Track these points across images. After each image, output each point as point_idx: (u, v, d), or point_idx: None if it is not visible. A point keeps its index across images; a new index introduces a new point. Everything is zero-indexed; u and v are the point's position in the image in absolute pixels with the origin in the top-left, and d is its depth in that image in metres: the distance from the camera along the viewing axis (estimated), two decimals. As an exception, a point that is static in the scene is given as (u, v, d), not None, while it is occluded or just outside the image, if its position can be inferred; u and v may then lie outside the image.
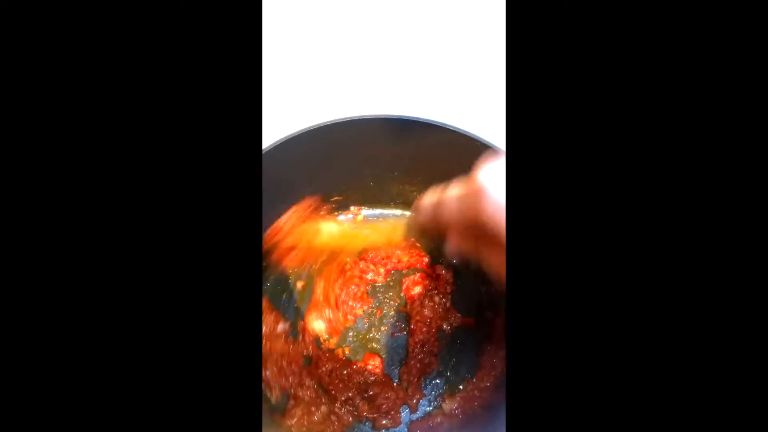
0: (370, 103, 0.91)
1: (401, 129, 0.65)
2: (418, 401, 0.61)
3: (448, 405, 0.61)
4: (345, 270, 0.72)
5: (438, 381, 0.63)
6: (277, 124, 0.67)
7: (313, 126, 0.63)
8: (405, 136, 0.66)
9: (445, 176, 0.68)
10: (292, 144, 0.62)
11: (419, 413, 0.61)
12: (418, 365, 0.63)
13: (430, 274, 0.71)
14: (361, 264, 0.73)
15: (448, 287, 0.69)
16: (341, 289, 0.70)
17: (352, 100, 0.93)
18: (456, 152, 0.64)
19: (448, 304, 0.68)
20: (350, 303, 0.69)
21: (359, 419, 0.59)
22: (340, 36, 1.00)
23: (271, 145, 0.61)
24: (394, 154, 0.70)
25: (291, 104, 0.90)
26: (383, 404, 0.59)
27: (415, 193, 0.75)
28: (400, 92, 0.93)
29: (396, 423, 0.59)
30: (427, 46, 0.99)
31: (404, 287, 0.71)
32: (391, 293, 0.72)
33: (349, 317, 0.68)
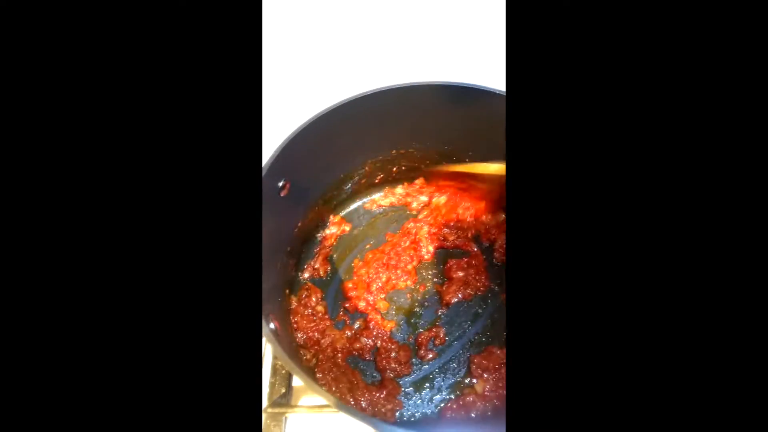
0: (422, 70, 0.89)
1: (454, 96, 0.62)
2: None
3: (481, 386, 0.58)
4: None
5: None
6: (325, 92, 0.66)
7: (362, 93, 0.61)
8: (458, 105, 0.63)
9: (497, 147, 0.66)
10: (340, 113, 0.60)
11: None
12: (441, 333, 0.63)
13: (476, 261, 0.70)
14: (425, 230, 0.72)
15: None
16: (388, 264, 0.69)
17: (400, 67, 0.90)
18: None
19: (483, 289, 0.67)
20: (398, 272, 0.68)
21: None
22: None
23: (323, 111, 0.59)
24: (446, 124, 0.67)
25: (343, 72, 0.89)
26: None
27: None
28: (454, 59, 0.90)
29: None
30: (483, 13, 0.95)
31: (447, 266, 0.69)
32: (433, 270, 0.69)
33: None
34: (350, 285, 0.67)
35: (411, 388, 0.58)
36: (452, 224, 0.73)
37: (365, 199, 0.77)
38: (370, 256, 0.70)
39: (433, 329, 0.62)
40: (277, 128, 0.60)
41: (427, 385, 0.59)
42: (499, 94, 0.60)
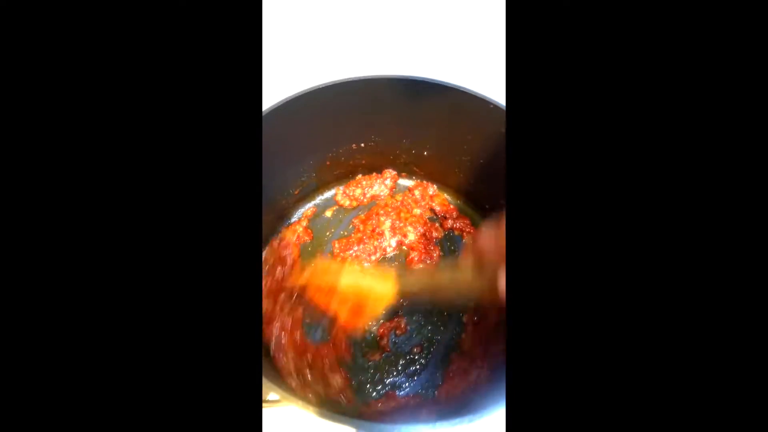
0: (381, 64, 0.89)
1: (414, 91, 0.63)
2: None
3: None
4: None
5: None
6: (284, 82, 0.65)
7: (319, 85, 0.61)
8: (418, 99, 0.64)
9: (457, 140, 0.68)
10: (297, 104, 0.60)
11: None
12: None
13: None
14: (388, 223, 0.73)
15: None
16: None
17: (363, 59, 0.90)
18: (469, 115, 0.62)
19: None
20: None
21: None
22: None
23: (280, 102, 0.59)
24: (405, 119, 0.68)
25: (299, 62, 0.88)
26: None
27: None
28: (413, 53, 0.91)
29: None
30: (441, 6, 0.96)
31: (408, 259, 0.70)
32: (396, 263, 0.71)
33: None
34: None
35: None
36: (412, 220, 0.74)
37: (327, 194, 0.77)
38: (337, 246, 0.70)
39: (395, 319, 0.64)
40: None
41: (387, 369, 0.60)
42: (454, 88, 0.61)
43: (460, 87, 0.61)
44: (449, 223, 0.74)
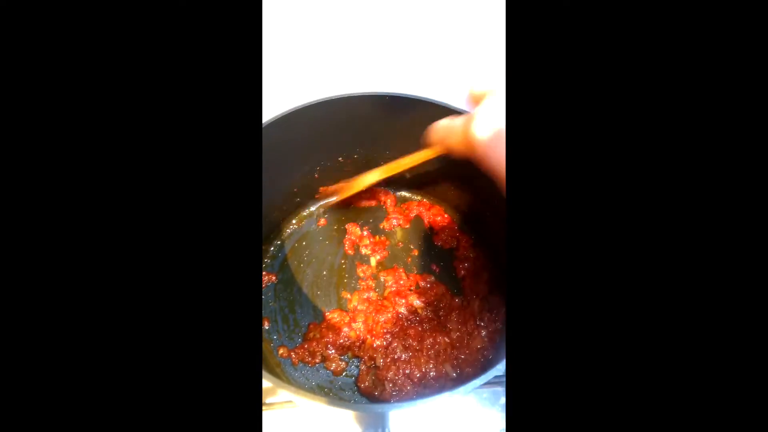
0: (363, 81, 0.92)
1: (395, 106, 0.67)
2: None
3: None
4: None
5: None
6: (270, 101, 0.68)
7: (306, 103, 0.64)
8: (398, 114, 0.68)
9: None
10: (285, 122, 0.63)
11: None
12: None
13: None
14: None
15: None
16: None
17: (344, 77, 0.94)
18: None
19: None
20: None
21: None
22: (336, 12, 1.00)
23: (266, 122, 0.62)
24: (387, 132, 0.71)
25: (282, 82, 0.91)
26: None
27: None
28: (393, 70, 0.94)
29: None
30: (422, 24, 1.00)
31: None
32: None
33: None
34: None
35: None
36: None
37: (314, 207, 0.80)
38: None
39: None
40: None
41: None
42: (434, 103, 0.65)
43: (437, 101, 0.65)
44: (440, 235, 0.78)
